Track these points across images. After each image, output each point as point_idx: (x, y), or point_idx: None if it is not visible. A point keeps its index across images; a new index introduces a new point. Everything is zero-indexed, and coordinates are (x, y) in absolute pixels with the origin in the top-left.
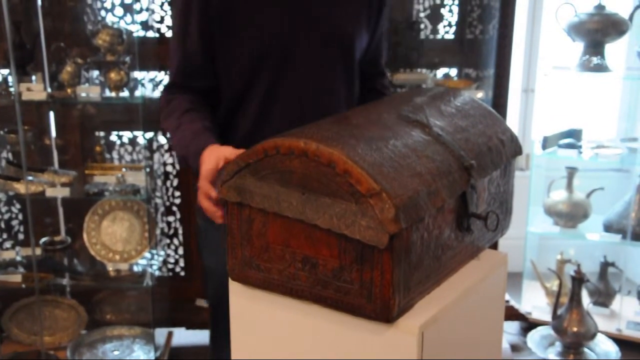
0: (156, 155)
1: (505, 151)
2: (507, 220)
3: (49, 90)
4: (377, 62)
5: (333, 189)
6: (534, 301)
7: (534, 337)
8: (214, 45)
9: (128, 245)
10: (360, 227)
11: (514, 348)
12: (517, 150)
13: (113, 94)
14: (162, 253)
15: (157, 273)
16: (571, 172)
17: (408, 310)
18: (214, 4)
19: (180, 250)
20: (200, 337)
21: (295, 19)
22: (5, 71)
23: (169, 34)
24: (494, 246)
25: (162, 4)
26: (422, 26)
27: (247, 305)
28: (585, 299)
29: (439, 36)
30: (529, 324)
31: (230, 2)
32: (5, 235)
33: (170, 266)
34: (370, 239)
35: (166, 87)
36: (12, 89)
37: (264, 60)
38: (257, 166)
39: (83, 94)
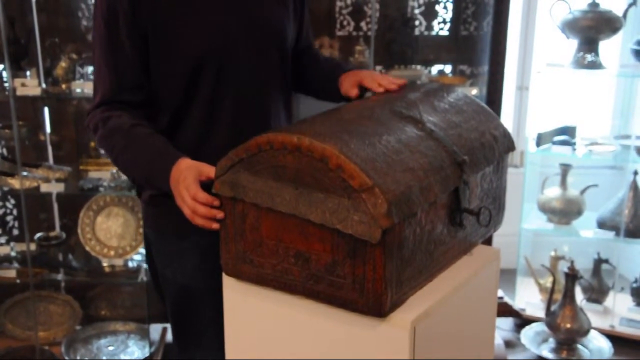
0: None
1: (498, 147)
2: (499, 216)
3: (44, 85)
4: (311, 45)
5: (326, 184)
6: (528, 298)
7: (527, 334)
8: (147, 54)
9: (123, 241)
10: (352, 222)
11: (508, 344)
12: (509, 146)
13: None
14: None
15: None
16: (565, 169)
17: (400, 305)
18: (143, 11)
19: None
20: None
21: (233, 17)
22: (0, 66)
23: None
24: (488, 242)
25: None
26: (416, 23)
27: (240, 299)
28: (579, 296)
29: (433, 33)
30: (522, 321)
31: (160, 7)
32: (0, 231)
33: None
34: (362, 234)
35: (96, 106)
36: (6, 85)
37: (206, 63)
38: (251, 161)
39: (78, 90)
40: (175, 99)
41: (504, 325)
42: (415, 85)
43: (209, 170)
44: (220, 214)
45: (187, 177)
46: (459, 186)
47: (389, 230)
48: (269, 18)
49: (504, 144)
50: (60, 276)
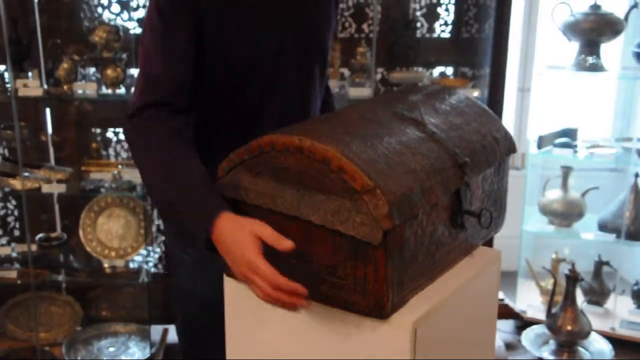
0: None
1: (499, 149)
2: (501, 218)
3: (46, 86)
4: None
5: (327, 186)
6: (529, 300)
7: (528, 336)
8: (201, 57)
9: (124, 242)
10: (354, 224)
11: (509, 346)
12: (511, 148)
13: (109, 91)
14: (157, 250)
15: (152, 270)
16: (566, 171)
17: (401, 306)
18: (205, 10)
19: None
20: None
21: (286, 26)
22: (2, 67)
23: None
24: (489, 244)
25: None
26: (418, 25)
27: (241, 300)
28: (580, 298)
29: (435, 35)
30: (523, 323)
31: (221, 9)
32: (0, 232)
33: (165, 263)
34: (364, 235)
35: (140, 109)
36: (8, 85)
37: (256, 69)
38: (252, 162)
39: (79, 91)
40: (216, 108)
41: (505, 327)
42: (417, 88)
43: (266, 232)
44: (304, 303)
45: (247, 249)
46: (460, 188)
47: (391, 231)
48: (317, 30)
49: (506, 146)
50: (61, 277)
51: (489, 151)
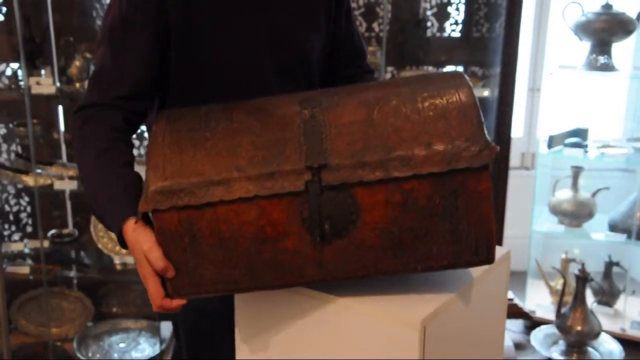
0: None
1: (440, 160)
2: (455, 248)
3: (58, 84)
4: (360, 57)
5: None
6: (538, 300)
7: (537, 336)
8: (163, 61)
9: None
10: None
11: (518, 346)
12: (479, 161)
13: None
14: None
15: None
16: (577, 171)
17: (198, 294)
18: (172, 9)
19: None
20: None
21: (258, 26)
22: (15, 65)
23: None
24: (498, 244)
25: None
26: (428, 24)
27: (250, 299)
28: (590, 298)
29: (445, 34)
30: (532, 323)
31: (190, 12)
32: (13, 228)
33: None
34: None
35: (85, 105)
36: (21, 83)
37: (225, 69)
38: None
39: None
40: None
41: (514, 327)
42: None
43: (151, 252)
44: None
45: (143, 264)
46: (309, 191)
47: (161, 218)
48: (292, 31)
49: (461, 157)
50: (72, 273)
51: (412, 160)
